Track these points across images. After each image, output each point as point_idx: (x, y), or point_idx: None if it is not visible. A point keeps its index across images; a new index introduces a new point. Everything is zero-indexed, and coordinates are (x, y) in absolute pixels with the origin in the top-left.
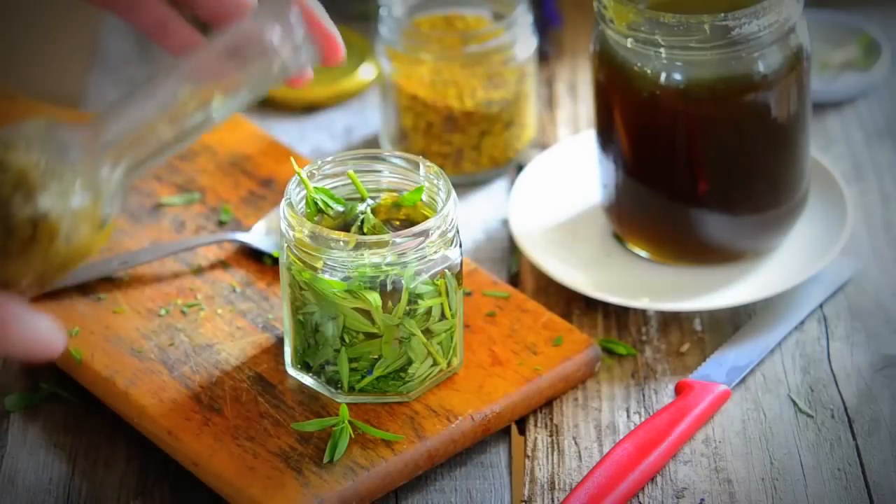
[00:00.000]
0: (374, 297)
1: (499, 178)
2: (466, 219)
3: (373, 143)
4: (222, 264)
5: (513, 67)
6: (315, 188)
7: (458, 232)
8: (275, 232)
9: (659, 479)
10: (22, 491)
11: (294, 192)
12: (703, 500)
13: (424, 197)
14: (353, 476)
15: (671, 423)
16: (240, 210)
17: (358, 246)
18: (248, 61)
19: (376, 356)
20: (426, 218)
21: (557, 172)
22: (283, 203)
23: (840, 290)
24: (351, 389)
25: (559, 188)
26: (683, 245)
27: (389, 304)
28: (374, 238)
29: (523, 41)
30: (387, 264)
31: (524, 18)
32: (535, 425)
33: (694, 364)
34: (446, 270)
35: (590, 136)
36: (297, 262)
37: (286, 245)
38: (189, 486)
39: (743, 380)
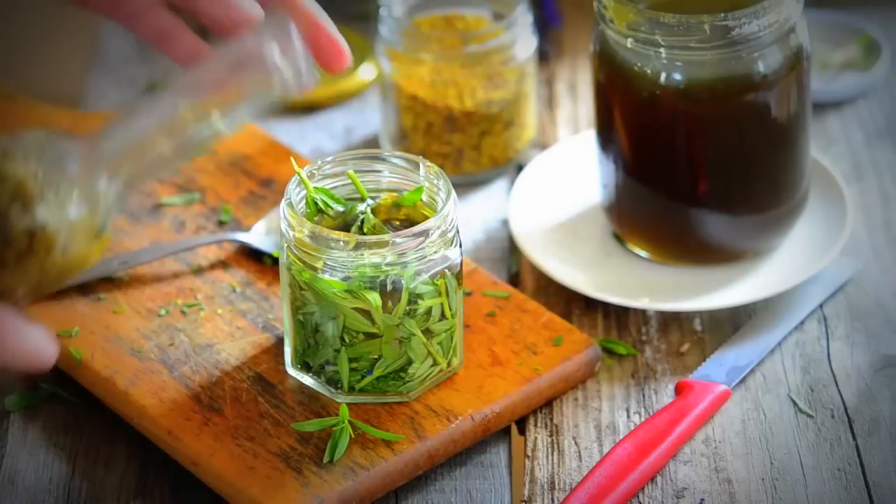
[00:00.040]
0: (374, 297)
1: (499, 178)
2: (466, 219)
3: (373, 143)
4: (222, 264)
5: (513, 67)
6: (315, 188)
7: (458, 232)
8: (275, 232)
9: (659, 479)
10: (22, 491)
11: (294, 192)
12: (703, 500)
13: (424, 197)
14: (353, 476)
15: (671, 423)
16: (240, 210)
17: (358, 246)
18: (248, 78)
19: (376, 356)
20: (426, 218)
21: (557, 172)
22: (283, 203)
23: (840, 290)
24: (351, 389)
25: (559, 188)
26: (683, 245)
27: (389, 304)
28: (374, 238)
29: (523, 41)
30: (387, 264)
31: (524, 18)
32: (535, 425)
33: (694, 364)
34: (446, 270)
35: (590, 136)
36: (297, 262)
37: (286, 245)
38: (189, 486)
39: (743, 380)
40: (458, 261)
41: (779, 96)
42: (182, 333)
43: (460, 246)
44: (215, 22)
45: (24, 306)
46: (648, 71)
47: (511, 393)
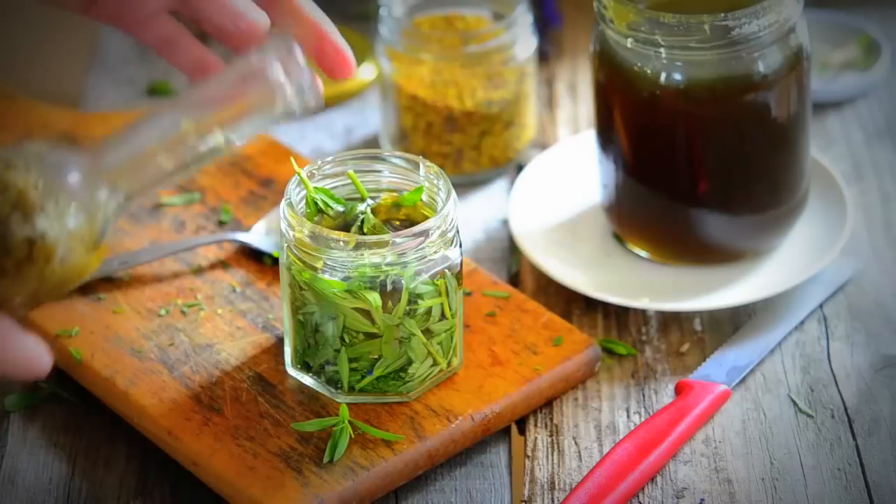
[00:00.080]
0: (374, 297)
1: (499, 178)
2: (466, 219)
3: (373, 143)
4: (222, 264)
5: (513, 67)
6: (315, 188)
7: (458, 232)
8: (275, 232)
9: (659, 479)
10: (22, 491)
11: (294, 192)
12: (703, 500)
13: (424, 197)
14: (353, 476)
15: (671, 423)
16: (240, 210)
17: (358, 246)
18: (251, 95)
19: (376, 356)
20: (426, 218)
21: (557, 172)
22: (283, 203)
23: (840, 290)
24: (351, 389)
25: (559, 188)
26: (683, 245)
27: (389, 304)
28: (374, 238)
29: (523, 41)
30: (387, 264)
31: (524, 18)
32: (535, 425)
33: (694, 364)
34: (446, 270)
35: (590, 136)
36: (297, 262)
37: (286, 245)
38: (189, 486)
39: (743, 380)
40: (458, 261)
41: (779, 96)
42: (182, 333)
43: (460, 246)
44: (222, 31)
45: (22, 315)
46: (648, 71)
47: (511, 393)
